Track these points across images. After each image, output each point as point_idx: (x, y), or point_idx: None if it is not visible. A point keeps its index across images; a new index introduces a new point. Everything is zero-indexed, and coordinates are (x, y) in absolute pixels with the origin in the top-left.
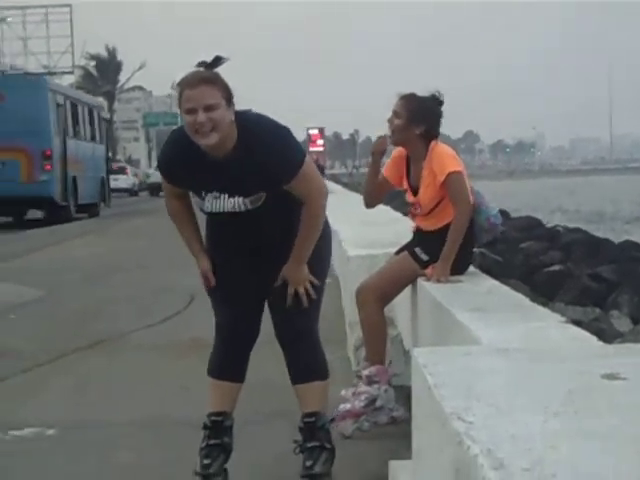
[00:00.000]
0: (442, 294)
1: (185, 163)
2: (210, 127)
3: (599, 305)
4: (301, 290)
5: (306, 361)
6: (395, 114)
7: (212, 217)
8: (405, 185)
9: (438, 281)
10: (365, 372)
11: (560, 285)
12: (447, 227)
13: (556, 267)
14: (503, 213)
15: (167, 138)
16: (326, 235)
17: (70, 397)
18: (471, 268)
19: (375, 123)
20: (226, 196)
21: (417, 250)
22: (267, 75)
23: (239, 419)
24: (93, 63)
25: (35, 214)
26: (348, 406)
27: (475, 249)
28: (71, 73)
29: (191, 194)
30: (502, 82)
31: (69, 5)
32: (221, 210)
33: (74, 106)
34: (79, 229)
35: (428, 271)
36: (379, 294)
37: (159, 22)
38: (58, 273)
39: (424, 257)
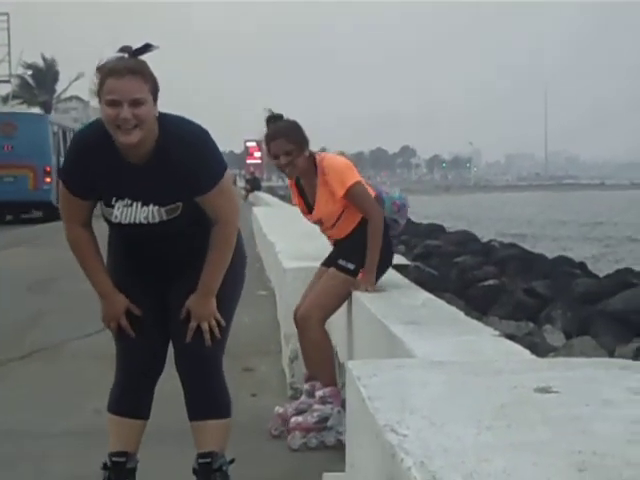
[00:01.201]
0: (376, 307)
1: (96, 163)
2: (134, 124)
3: (533, 319)
4: (205, 326)
5: (204, 395)
6: (287, 153)
7: (118, 230)
8: (301, 206)
9: (366, 291)
10: (319, 392)
11: (494, 299)
12: (357, 229)
13: (491, 282)
14: (439, 228)
15: (74, 137)
16: (238, 261)
17: (4, 407)
18: (405, 281)
19: (318, 137)
20: (139, 204)
21: (341, 262)
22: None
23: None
24: (30, 72)
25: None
26: (300, 419)
27: (410, 263)
28: (8, 82)
29: (99, 204)
30: (440, 99)
31: (6, 13)
32: (132, 220)
33: (63, 132)
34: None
35: (357, 281)
36: (320, 315)
37: (97, 30)
38: None
39: (350, 266)
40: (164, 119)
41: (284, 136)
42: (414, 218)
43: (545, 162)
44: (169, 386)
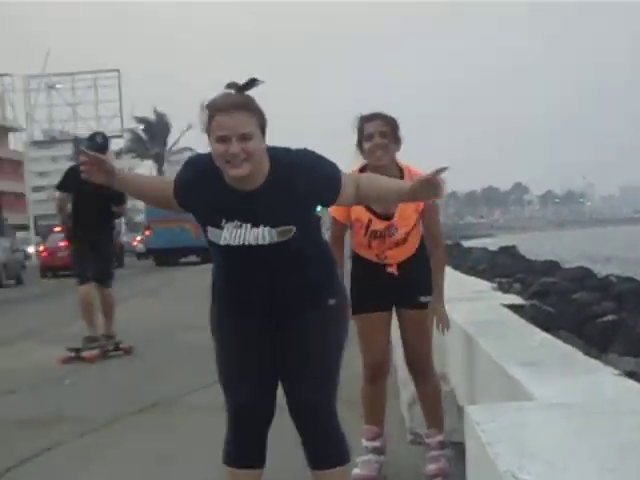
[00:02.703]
0: (493, 349)
1: (205, 190)
2: (243, 158)
3: None
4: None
5: (326, 444)
6: (382, 134)
7: (226, 255)
8: (363, 214)
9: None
10: (439, 438)
11: (614, 336)
12: (417, 255)
13: (609, 317)
14: (554, 264)
15: (187, 161)
16: (342, 302)
17: (126, 461)
18: (522, 321)
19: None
20: (249, 226)
21: (422, 299)
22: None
23: None
24: (142, 126)
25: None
26: (441, 465)
27: (525, 302)
28: (120, 137)
29: (206, 228)
30: (548, 130)
31: (117, 70)
32: (241, 242)
33: None
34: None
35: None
36: (431, 362)
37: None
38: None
39: (430, 299)
40: (274, 151)
41: (382, 119)
42: (529, 255)
43: None
44: (279, 433)
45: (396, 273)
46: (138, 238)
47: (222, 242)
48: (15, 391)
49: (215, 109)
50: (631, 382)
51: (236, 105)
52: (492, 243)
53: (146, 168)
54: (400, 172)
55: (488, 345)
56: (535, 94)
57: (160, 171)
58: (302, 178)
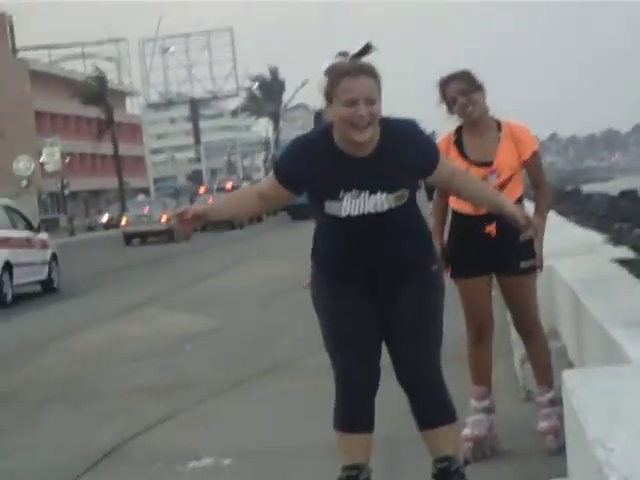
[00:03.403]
0: (598, 309)
1: (319, 165)
2: (367, 121)
3: None
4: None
5: (435, 403)
6: (462, 92)
7: (344, 225)
8: (461, 163)
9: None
10: (549, 396)
11: None
12: (519, 201)
13: None
14: None
15: (293, 140)
16: (440, 268)
17: (244, 426)
18: (630, 277)
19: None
20: (367, 193)
21: (523, 265)
22: None
23: None
24: (256, 84)
25: None
26: (552, 423)
27: (636, 256)
28: (235, 96)
29: (324, 202)
30: None
31: (230, 29)
32: (361, 211)
33: None
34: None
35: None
36: (539, 323)
37: (320, 37)
38: (229, 301)
39: (532, 262)
40: (383, 118)
41: (456, 78)
42: None
43: None
44: (386, 396)
45: (494, 233)
46: None
47: (343, 214)
48: (138, 358)
49: (342, 73)
50: None
51: (363, 69)
52: (613, 187)
53: (262, 126)
54: (498, 124)
55: (592, 305)
56: None
57: (276, 128)
58: (410, 146)
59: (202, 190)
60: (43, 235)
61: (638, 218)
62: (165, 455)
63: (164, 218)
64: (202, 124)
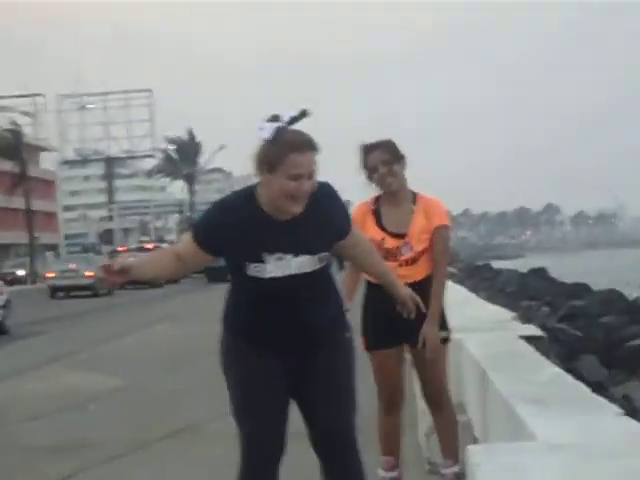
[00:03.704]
0: (504, 385)
1: (244, 228)
2: (307, 194)
3: None
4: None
5: (352, 470)
6: (384, 162)
7: (266, 287)
8: (377, 233)
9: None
10: (454, 469)
11: None
12: (428, 284)
13: (637, 341)
14: (584, 287)
15: (216, 202)
16: (350, 327)
17: None
18: (536, 355)
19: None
20: (291, 256)
21: (442, 334)
22: None
23: None
24: (173, 146)
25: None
26: None
27: (542, 334)
28: (152, 157)
29: (245, 265)
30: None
31: (149, 90)
32: (285, 273)
33: None
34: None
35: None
36: (448, 394)
37: (237, 102)
38: (135, 361)
39: (445, 334)
40: None
41: (379, 147)
42: (559, 277)
43: None
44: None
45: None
46: None
47: (267, 275)
48: (38, 417)
49: (290, 147)
50: (634, 423)
51: (310, 145)
52: (523, 264)
53: (177, 188)
54: (413, 196)
55: (499, 381)
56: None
57: (191, 191)
58: (333, 207)
59: (121, 249)
60: None
61: (546, 296)
62: None
63: (89, 272)
64: (117, 183)
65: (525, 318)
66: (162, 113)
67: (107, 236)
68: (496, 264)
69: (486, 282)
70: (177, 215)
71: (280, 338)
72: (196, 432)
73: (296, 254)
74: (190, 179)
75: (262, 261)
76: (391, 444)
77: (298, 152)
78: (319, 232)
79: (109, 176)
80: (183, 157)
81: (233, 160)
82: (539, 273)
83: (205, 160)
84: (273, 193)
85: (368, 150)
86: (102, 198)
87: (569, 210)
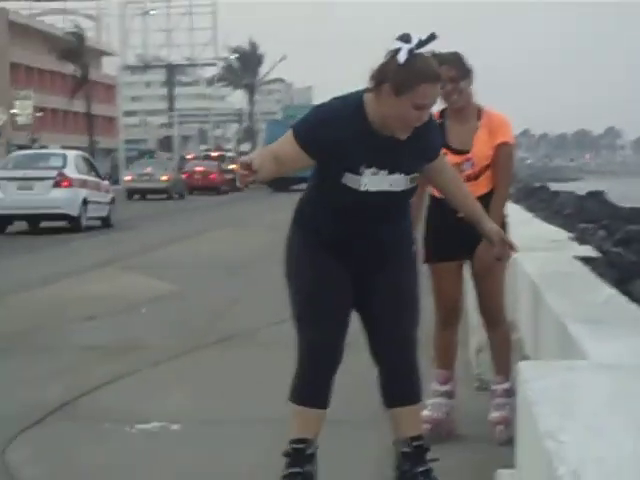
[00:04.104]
0: (557, 304)
1: (344, 133)
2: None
3: None
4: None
5: (410, 381)
6: (451, 79)
7: (357, 199)
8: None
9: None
10: (504, 386)
11: None
12: (491, 194)
13: None
14: None
15: (325, 105)
16: (414, 240)
17: (197, 393)
18: (592, 276)
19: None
20: (385, 172)
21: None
22: None
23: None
24: (235, 55)
25: None
26: (505, 413)
27: (600, 254)
28: (213, 65)
29: (342, 174)
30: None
31: None
32: (378, 188)
33: None
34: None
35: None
36: (504, 310)
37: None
38: (191, 267)
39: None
40: None
41: (447, 63)
42: (617, 201)
43: None
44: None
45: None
46: None
47: (362, 188)
48: (94, 317)
49: (424, 77)
50: None
51: (439, 77)
52: (581, 187)
53: (237, 97)
54: (479, 112)
55: (552, 300)
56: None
57: (251, 100)
58: (430, 131)
59: (190, 156)
60: (106, 182)
61: (603, 220)
62: (113, 415)
63: (164, 177)
64: (177, 90)
65: (581, 240)
66: (225, 22)
67: (166, 143)
68: (554, 186)
69: (543, 203)
70: (236, 125)
71: (353, 247)
72: (246, 339)
73: (391, 171)
74: (250, 89)
75: (359, 173)
76: (447, 357)
77: (430, 83)
78: (416, 153)
79: (170, 83)
80: (244, 66)
81: (294, 71)
82: (597, 196)
83: (266, 70)
84: (390, 114)
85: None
86: (162, 105)
87: (631, 134)
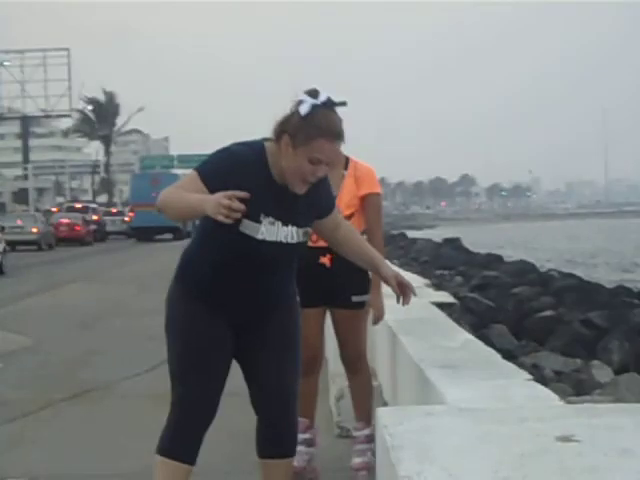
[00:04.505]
0: (415, 349)
1: (246, 178)
2: (316, 180)
3: (589, 351)
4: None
5: (289, 434)
6: None
7: (250, 246)
8: None
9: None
10: (366, 432)
11: (551, 330)
12: None
13: (548, 312)
14: (497, 258)
15: (229, 148)
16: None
17: (55, 448)
18: (448, 321)
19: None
20: (280, 223)
21: (355, 299)
22: None
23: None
24: (90, 107)
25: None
26: (366, 459)
27: (455, 301)
28: (68, 116)
29: (241, 221)
30: (496, 124)
31: (67, 49)
32: (273, 239)
33: None
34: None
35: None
36: (365, 357)
37: (157, 64)
38: (46, 320)
39: (365, 298)
40: None
41: None
42: (472, 248)
43: (606, 190)
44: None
45: (329, 264)
46: (125, 218)
47: (259, 236)
48: None
49: (322, 133)
50: (541, 388)
51: (340, 136)
52: (437, 234)
53: (93, 149)
54: (346, 161)
55: (410, 345)
56: (484, 88)
57: (107, 152)
58: (321, 190)
59: (55, 209)
60: None
61: (459, 266)
62: None
63: (34, 229)
64: (32, 142)
65: (439, 286)
66: (80, 73)
67: (21, 195)
68: (411, 234)
69: (400, 250)
70: (93, 176)
71: (237, 301)
72: (105, 392)
73: (285, 223)
74: (107, 140)
75: (259, 221)
76: (306, 406)
77: (327, 139)
78: (310, 207)
79: (25, 135)
80: (100, 118)
81: (151, 122)
82: (453, 243)
83: (123, 121)
84: (287, 165)
85: None
86: (17, 157)
87: (484, 182)
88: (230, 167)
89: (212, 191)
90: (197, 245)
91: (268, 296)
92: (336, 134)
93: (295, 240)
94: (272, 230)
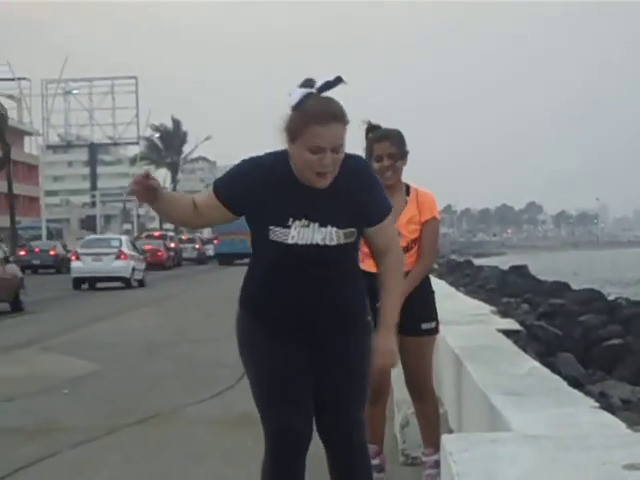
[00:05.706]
0: (480, 376)
1: (274, 186)
2: (331, 169)
3: None
4: (388, 367)
5: (363, 460)
6: (390, 156)
7: (286, 253)
8: None
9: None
10: (435, 457)
11: (619, 359)
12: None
13: (615, 341)
14: (564, 286)
15: (248, 159)
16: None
17: (120, 474)
18: (514, 348)
19: (442, 194)
20: (316, 225)
21: (425, 326)
22: None
23: None
24: (158, 134)
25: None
26: None
27: (521, 328)
28: (136, 144)
29: (268, 228)
30: (566, 154)
31: (135, 77)
32: (309, 241)
33: None
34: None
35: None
36: (431, 383)
37: (224, 94)
38: (113, 346)
39: (433, 324)
40: (346, 155)
41: (390, 139)
42: (539, 275)
43: None
44: None
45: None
46: (196, 245)
47: (290, 241)
48: (13, 399)
49: (312, 118)
50: (607, 416)
51: (335, 117)
52: (504, 261)
53: (160, 176)
54: (407, 190)
55: (475, 371)
56: (551, 112)
57: (174, 179)
58: (365, 193)
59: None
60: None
61: (526, 294)
62: None
63: (52, 252)
64: (100, 170)
65: (504, 313)
66: (149, 100)
67: (89, 222)
68: (477, 261)
69: (467, 278)
70: None
71: (293, 313)
72: (171, 418)
73: (323, 224)
74: (174, 167)
75: (287, 226)
76: (375, 432)
77: (320, 124)
78: (349, 206)
79: (92, 162)
80: (168, 145)
81: (218, 149)
82: (520, 270)
83: (190, 149)
84: (295, 162)
85: (379, 139)
86: (85, 184)
87: (551, 209)
88: (248, 172)
89: (221, 200)
90: (249, 265)
91: (324, 304)
92: (328, 116)
93: (335, 242)
94: (306, 233)
